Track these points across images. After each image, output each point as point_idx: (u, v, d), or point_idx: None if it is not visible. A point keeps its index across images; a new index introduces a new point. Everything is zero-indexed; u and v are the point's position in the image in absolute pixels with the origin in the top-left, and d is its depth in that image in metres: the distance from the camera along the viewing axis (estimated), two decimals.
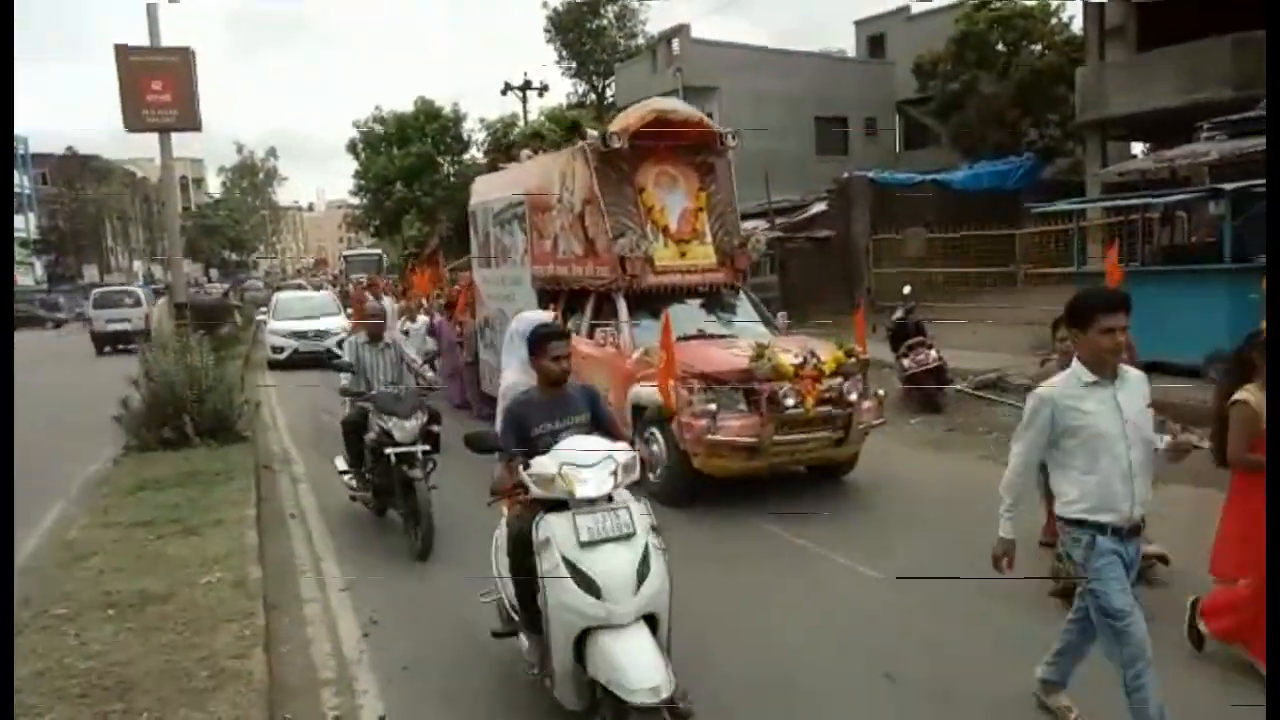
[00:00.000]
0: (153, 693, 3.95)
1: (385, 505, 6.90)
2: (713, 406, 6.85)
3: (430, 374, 7.92)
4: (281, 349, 18.53)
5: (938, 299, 15.52)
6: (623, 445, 3.85)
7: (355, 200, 41.22)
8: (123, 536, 6.22)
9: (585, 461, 3.58)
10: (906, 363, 10.75)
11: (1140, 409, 3.36)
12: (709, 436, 6.79)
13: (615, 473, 3.60)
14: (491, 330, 10.78)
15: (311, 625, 5.16)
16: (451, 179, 33.90)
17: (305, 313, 19.71)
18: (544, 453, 3.71)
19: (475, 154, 34.62)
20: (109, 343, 23.74)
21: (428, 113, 34.52)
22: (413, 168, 33.49)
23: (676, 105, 8.84)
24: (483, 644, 4.74)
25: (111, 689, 3.99)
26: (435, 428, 6.83)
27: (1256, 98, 12.01)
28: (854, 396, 7.13)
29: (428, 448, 6.53)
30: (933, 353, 10.74)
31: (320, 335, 18.11)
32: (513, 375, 5.41)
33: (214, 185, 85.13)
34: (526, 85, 32.53)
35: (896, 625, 4.82)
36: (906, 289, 12.29)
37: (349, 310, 20.27)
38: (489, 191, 11.46)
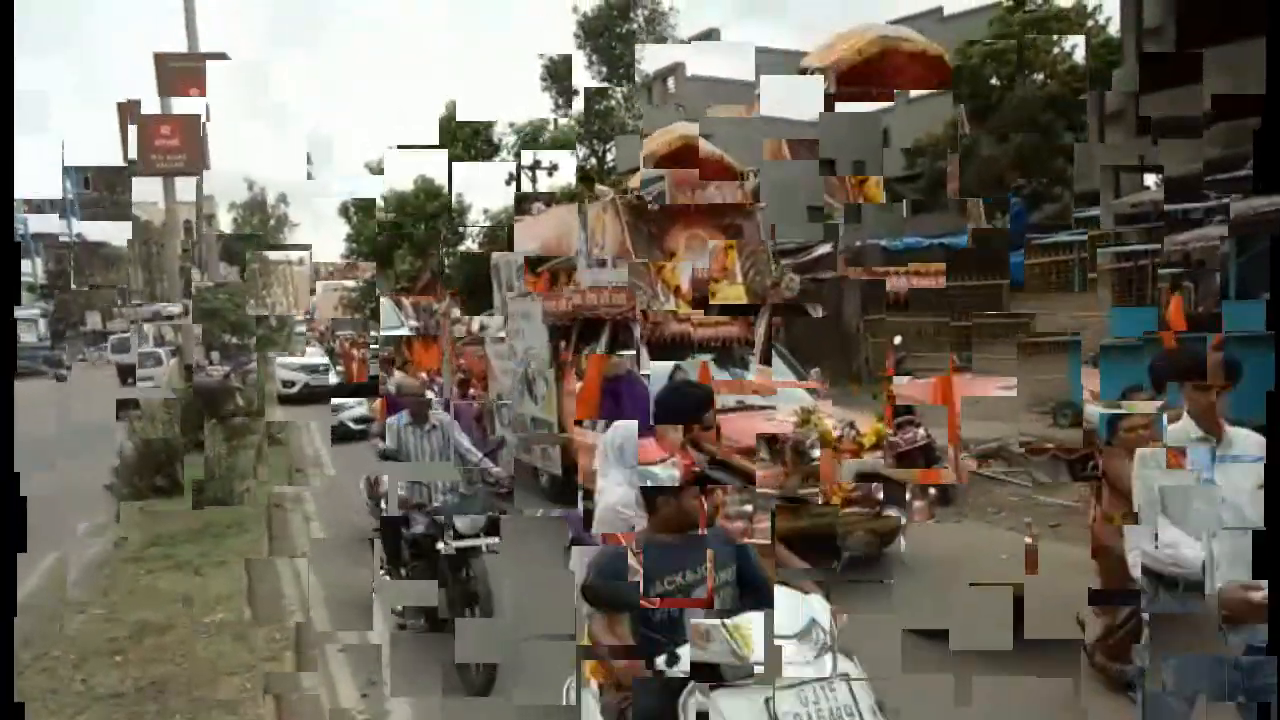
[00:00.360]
0: None
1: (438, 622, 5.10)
2: (749, 508, 5.62)
3: (496, 469, 6.12)
4: (292, 383, 19.65)
5: (925, 349, 15.37)
6: (819, 604, 2.65)
7: (349, 283, 40.96)
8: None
9: (779, 629, 2.47)
10: (896, 440, 10.03)
11: (1241, 488, 2.98)
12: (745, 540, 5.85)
13: (829, 649, 2.51)
14: (509, 408, 9.85)
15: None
16: (447, 272, 33.69)
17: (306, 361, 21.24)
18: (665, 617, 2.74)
19: (470, 245, 34.51)
20: (130, 374, 24.78)
21: (428, 191, 34.51)
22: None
23: (697, 134, 8.40)
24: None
25: None
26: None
27: (1246, 154, 12.20)
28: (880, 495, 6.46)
29: (495, 540, 5.21)
30: (920, 430, 10.13)
31: (328, 370, 19.50)
32: (616, 495, 3.97)
33: (225, 222, 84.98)
34: (536, 165, 32.56)
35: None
36: (897, 339, 12.10)
37: (339, 367, 20.30)
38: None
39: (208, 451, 9.18)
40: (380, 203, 35.46)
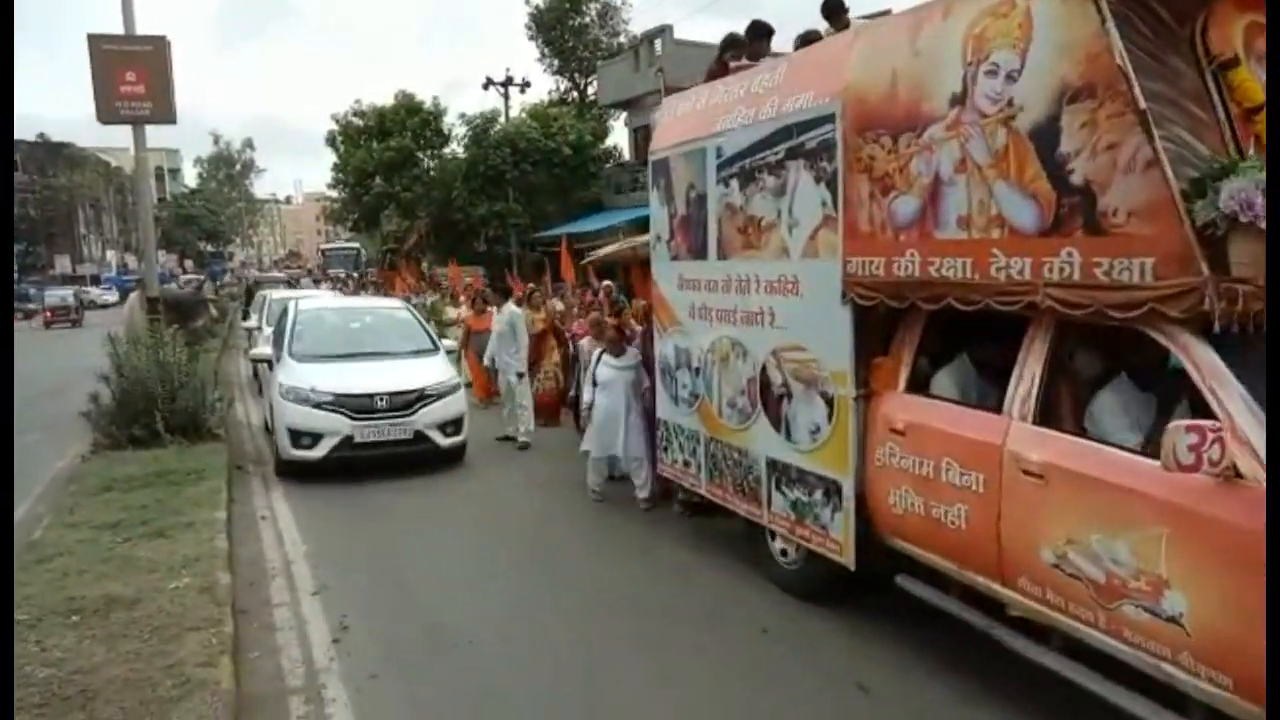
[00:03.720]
0: (115, 702, 3.88)
1: None
2: None
3: None
4: (314, 436, 8.31)
5: None
6: None
7: (333, 193, 40.93)
8: (89, 538, 6.12)
9: None
10: None
11: None
12: None
13: None
14: (693, 372, 6.10)
15: (281, 630, 5.10)
16: (431, 173, 33.75)
17: (360, 346, 9.46)
18: None
19: (455, 148, 34.44)
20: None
21: (408, 107, 34.31)
22: (392, 161, 33.30)
23: None
24: (455, 651, 4.75)
25: (72, 698, 3.91)
26: None
27: None
28: None
29: None
30: None
31: (408, 404, 8.53)
32: None
33: (190, 176, 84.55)
34: (508, 81, 32.46)
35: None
36: None
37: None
38: (709, 117, 5.76)
39: (169, 357, 9.35)
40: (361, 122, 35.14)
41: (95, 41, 10.58)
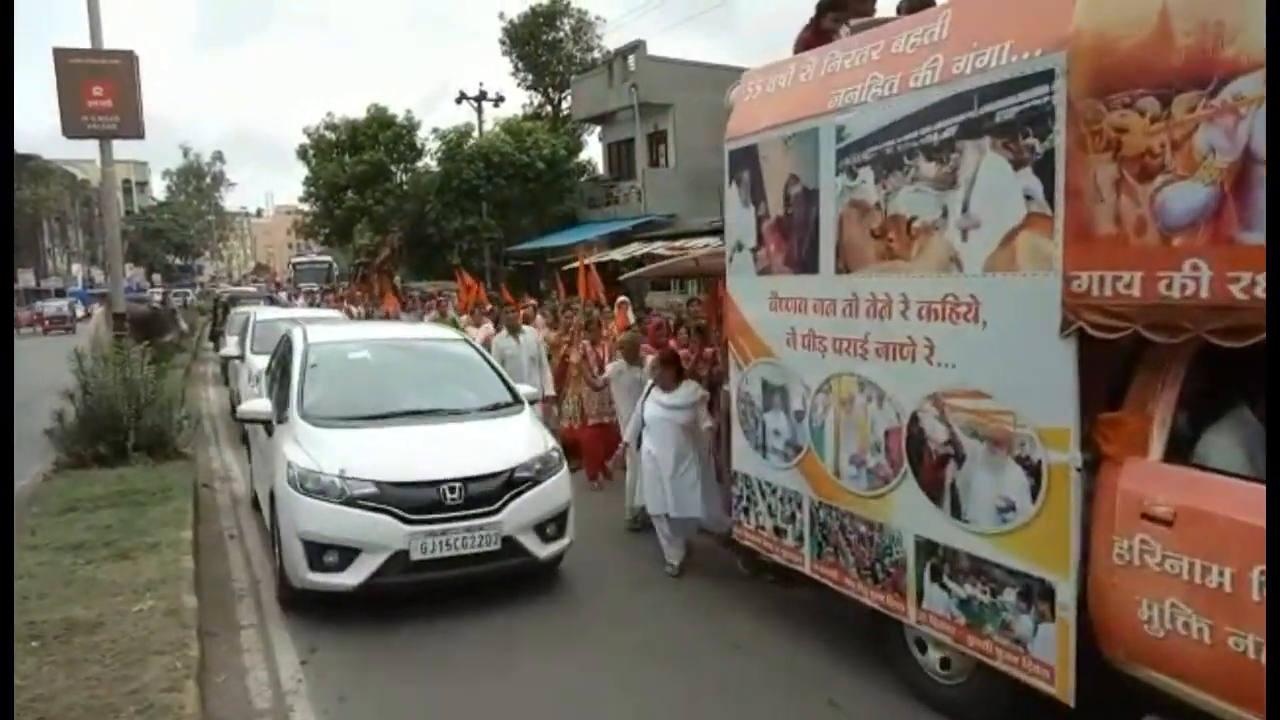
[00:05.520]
0: None
1: None
2: None
3: None
4: (347, 551, 5.22)
5: None
6: None
7: (305, 207, 40.71)
8: (50, 560, 6.00)
9: None
10: None
11: None
12: None
13: None
14: (791, 416, 4.80)
15: (248, 653, 5.04)
16: (403, 187, 33.71)
17: (408, 400, 6.23)
18: None
19: (428, 162, 34.46)
20: None
21: (380, 120, 34.33)
22: (364, 175, 33.24)
23: None
24: (422, 673, 4.70)
25: None
26: None
27: None
28: None
29: None
30: None
31: (491, 496, 5.47)
32: None
33: (158, 188, 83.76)
34: (482, 95, 32.55)
35: None
36: None
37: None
38: (822, 90, 4.48)
39: (135, 374, 9.16)
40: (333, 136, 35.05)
41: (62, 55, 10.46)
